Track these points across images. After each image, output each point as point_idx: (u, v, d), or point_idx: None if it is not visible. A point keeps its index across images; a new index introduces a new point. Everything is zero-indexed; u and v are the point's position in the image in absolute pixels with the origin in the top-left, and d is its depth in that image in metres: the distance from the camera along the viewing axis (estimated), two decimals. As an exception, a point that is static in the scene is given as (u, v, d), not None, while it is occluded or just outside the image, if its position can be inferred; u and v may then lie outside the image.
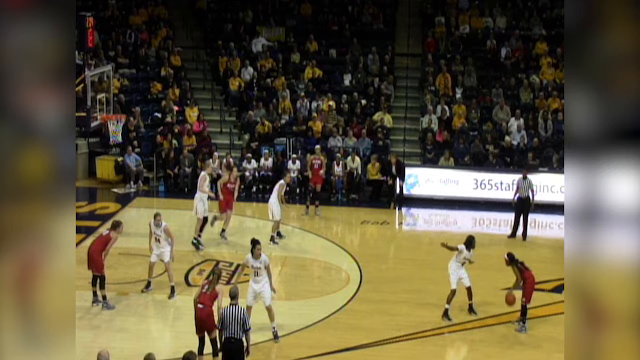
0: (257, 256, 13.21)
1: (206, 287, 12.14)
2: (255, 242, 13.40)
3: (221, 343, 11.63)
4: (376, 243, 19.51)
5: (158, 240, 15.05)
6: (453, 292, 14.37)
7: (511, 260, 14.25)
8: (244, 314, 11.46)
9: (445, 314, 14.45)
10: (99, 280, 14.47)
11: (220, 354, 11.72)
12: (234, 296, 11.59)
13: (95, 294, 14.57)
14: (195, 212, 17.85)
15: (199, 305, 11.96)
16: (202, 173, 18.34)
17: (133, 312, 14.59)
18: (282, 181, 18.43)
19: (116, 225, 14.73)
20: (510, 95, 25.21)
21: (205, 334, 12.01)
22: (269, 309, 13.35)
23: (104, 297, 14.52)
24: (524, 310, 14.15)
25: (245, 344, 11.51)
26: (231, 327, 11.33)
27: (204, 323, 11.96)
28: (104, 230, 15.45)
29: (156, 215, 15.11)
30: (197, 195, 17.94)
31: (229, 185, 18.33)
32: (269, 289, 13.35)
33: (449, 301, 14.41)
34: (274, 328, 13.42)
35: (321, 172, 21.52)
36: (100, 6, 27.42)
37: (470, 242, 14.52)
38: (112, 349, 10.77)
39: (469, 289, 14.57)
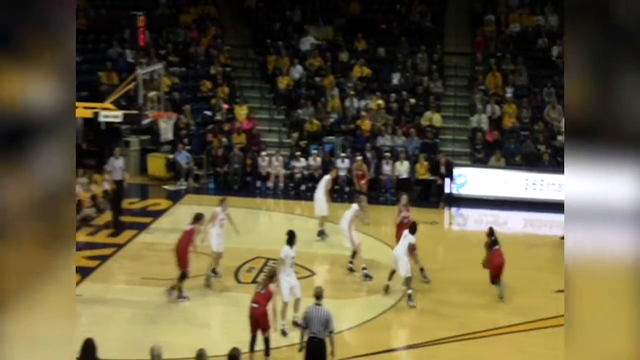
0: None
1: (260, 286, 12.20)
2: (290, 233, 13.78)
3: (305, 341, 11.55)
4: (425, 243, 19.33)
5: (221, 226, 15.43)
6: (408, 278, 14.93)
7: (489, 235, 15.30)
8: (327, 314, 11.38)
9: (410, 297, 14.88)
10: (181, 275, 14.72)
11: (304, 352, 11.52)
12: (319, 296, 11.57)
13: (176, 288, 14.82)
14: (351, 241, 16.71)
15: (253, 305, 12.00)
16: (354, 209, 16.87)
17: (185, 307, 14.71)
18: (328, 176, 18.44)
19: (198, 218, 14.99)
20: (563, 95, 24.84)
21: (259, 332, 12.03)
22: (298, 301, 13.57)
23: (180, 290, 14.82)
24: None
25: (330, 346, 11.33)
26: (314, 326, 11.32)
27: (257, 322, 11.99)
28: (186, 226, 15.35)
29: (222, 200, 15.60)
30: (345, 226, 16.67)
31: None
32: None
33: (408, 285, 14.88)
34: (295, 320, 13.47)
35: (362, 181, 21.71)
36: (151, 5, 27.74)
37: (413, 228, 15.45)
38: (164, 344, 10.81)
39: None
